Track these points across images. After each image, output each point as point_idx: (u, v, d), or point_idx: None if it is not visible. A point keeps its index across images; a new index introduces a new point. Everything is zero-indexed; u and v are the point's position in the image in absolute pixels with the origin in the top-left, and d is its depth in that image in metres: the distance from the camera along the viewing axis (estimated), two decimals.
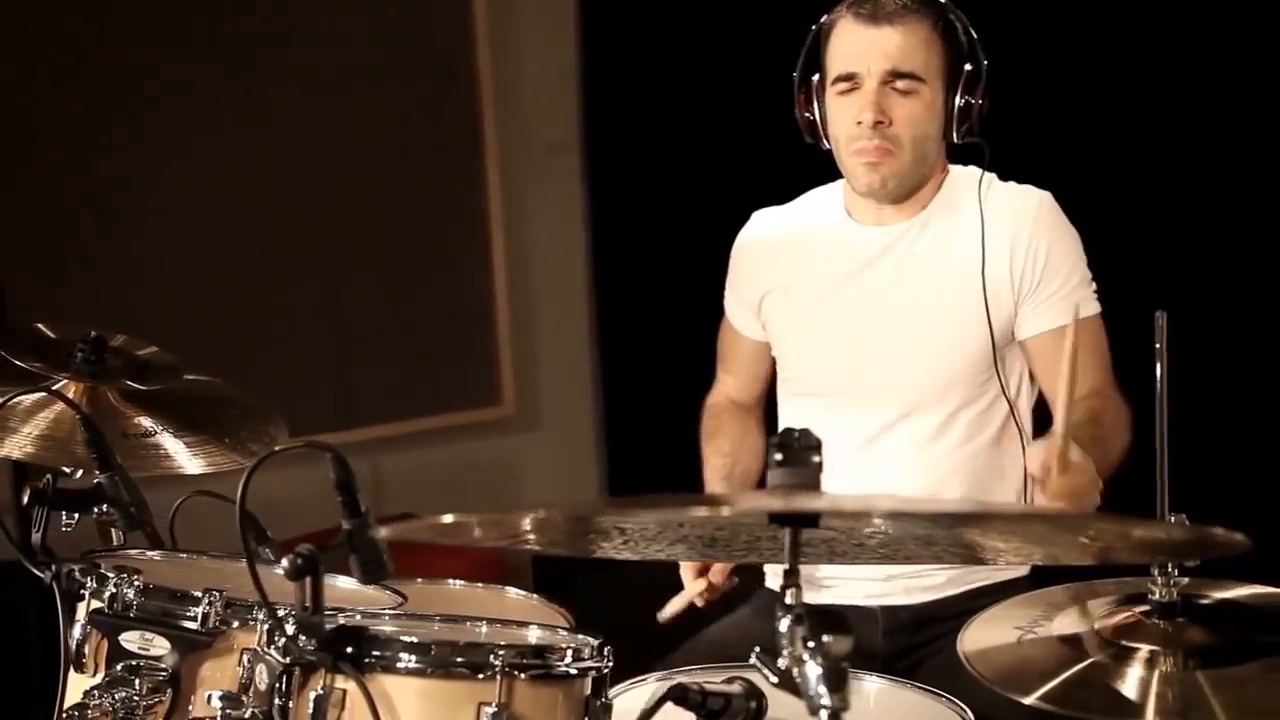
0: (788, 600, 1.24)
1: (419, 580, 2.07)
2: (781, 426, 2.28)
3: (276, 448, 1.61)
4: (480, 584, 2.17)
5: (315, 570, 1.45)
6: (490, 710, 1.49)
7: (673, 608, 2.19)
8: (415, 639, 1.53)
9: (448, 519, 1.17)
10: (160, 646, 1.66)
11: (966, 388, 2.16)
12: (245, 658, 1.62)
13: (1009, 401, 2.17)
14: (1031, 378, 2.21)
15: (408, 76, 3.76)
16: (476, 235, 3.93)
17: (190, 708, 1.66)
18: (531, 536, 1.39)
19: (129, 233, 3.41)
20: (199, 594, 1.67)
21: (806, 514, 1.23)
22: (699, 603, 2.19)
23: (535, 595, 2.14)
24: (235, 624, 1.67)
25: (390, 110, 3.73)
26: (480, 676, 1.51)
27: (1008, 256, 2.13)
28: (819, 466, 1.27)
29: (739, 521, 1.31)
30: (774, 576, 2.33)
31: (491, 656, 1.51)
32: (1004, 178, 2.20)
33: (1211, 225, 3.36)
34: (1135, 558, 1.38)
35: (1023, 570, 2.19)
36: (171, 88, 3.43)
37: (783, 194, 2.36)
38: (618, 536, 1.41)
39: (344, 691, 1.51)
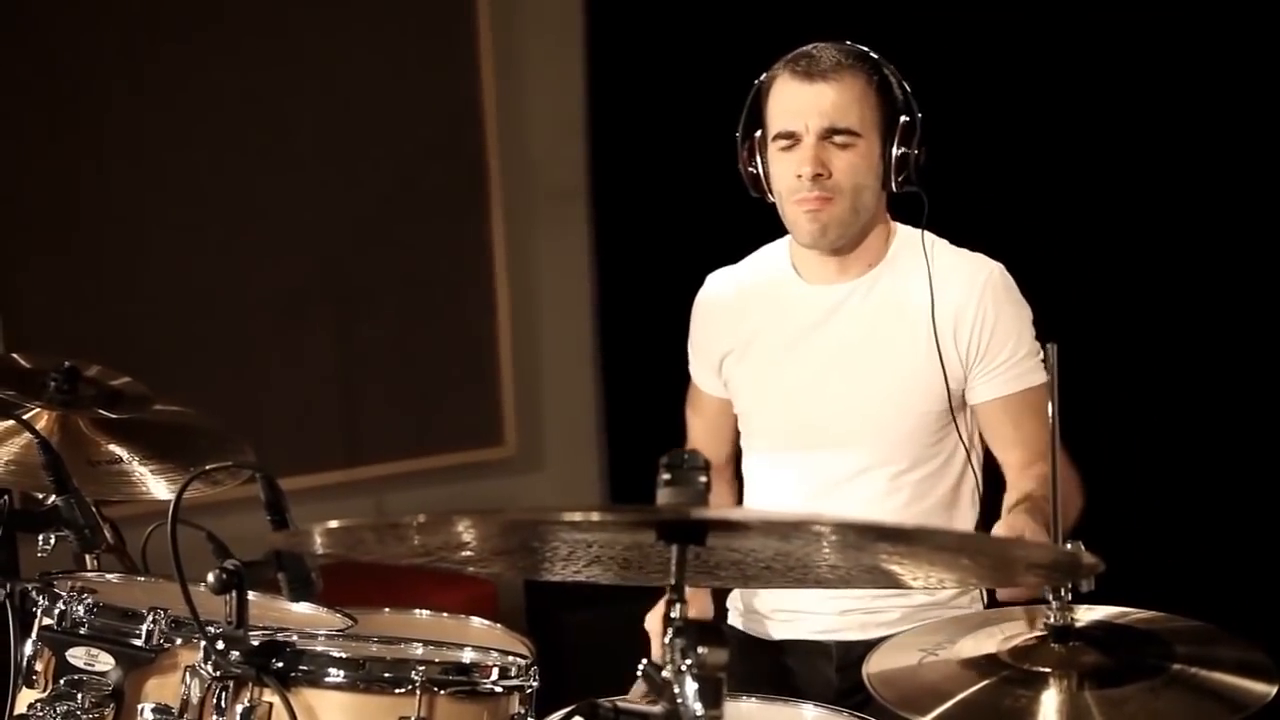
0: (672, 615, 1.28)
1: (386, 610, 2.11)
2: (746, 482, 2.37)
3: (207, 466, 1.66)
4: (445, 614, 2.22)
5: (240, 585, 1.50)
6: None
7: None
8: (341, 654, 1.58)
9: (333, 524, 1.22)
10: (105, 662, 1.72)
11: (921, 443, 2.19)
12: (187, 674, 1.67)
13: (966, 455, 2.21)
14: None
15: (415, 121, 3.83)
16: (481, 277, 3.97)
17: None
18: (449, 554, 1.44)
19: (138, 270, 3.49)
20: (145, 612, 1.73)
21: (686, 525, 1.27)
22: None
23: (498, 625, 2.17)
24: (179, 641, 1.72)
25: (397, 155, 3.80)
26: (400, 691, 1.55)
27: (953, 324, 2.15)
28: (706, 486, 1.31)
29: (637, 538, 1.35)
30: (732, 612, 2.36)
31: (413, 672, 1.56)
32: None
33: (1103, 257, 3.46)
34: (1023, 578, 1.41)
35: (976, 606, 2.21)
36: (183, 130, 3.50)
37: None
38: (530, 556, 1.46)
39: (270, 705, 1.56)
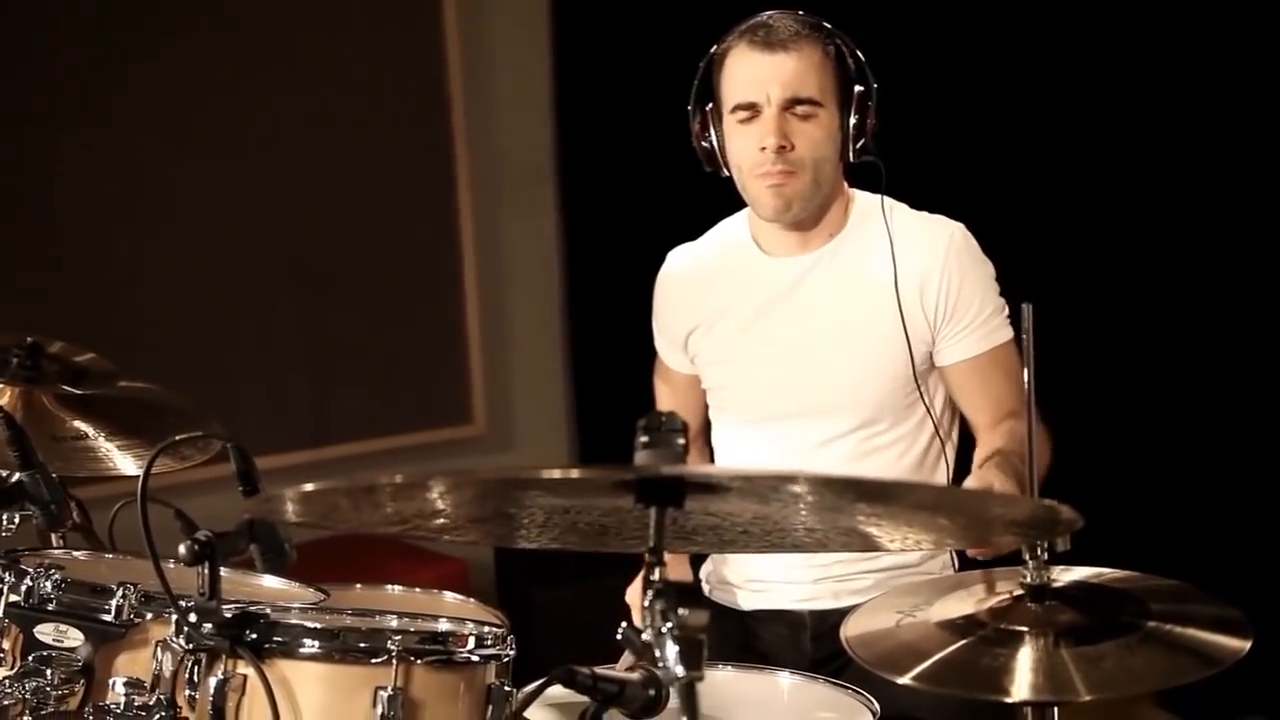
0: (652, 578, 1.28)
1: (358, 586, 2.10)
2: (716, 454, 2.36)
3: (176, 437, 1.64)
4: (418, 589, 2.21)
5: (212, 556, 1.49)
6: (386, 694, 1.53)
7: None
8: (315, 624, 1.56)
9: (308, 487, 1.21)
10: (74, 638, 1.70)
11: (890, 411, 2.19)
12: (158, 649, 1.65)
13: (934, 423, 2.21)
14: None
15: (383, 105, 3.83)
16: (450, 258, 3.98)
17: (106, 698, 1.69)
18: (424, 522, 1.43)
19: (109, 253, 3.48)
20: (114, 587, 1.71)
21: (665, 485, 1.26)
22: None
23: (471, 600, 2.16)
24: (150, 616, 1.69)
25: (366, 138, 3.80)
26: (375, 661, 1.54)
27: (919, 289, 2.15)
28: (684, 448, 1.30)
29: (616, 502, 1.34)
30: (705, 583, 2.36)
31: (388, 642, 1.55)
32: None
33: (1078, 219, 3.47)
34: (1001, 537, 1.42)
35: (948, 572, 2.22)
36: (154, 115, 3.50)
37: None
38: (507, 522, 1.45)
39: (244, 677, 1.55)
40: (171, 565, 1.67)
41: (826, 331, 2.20)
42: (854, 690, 1.86)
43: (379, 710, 1.52)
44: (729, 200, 2.65)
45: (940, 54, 3.53)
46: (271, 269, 3.69)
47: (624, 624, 1.32)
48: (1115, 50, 3.44)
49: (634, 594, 2.19)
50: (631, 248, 4.13)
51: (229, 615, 1.53)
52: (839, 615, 2.20)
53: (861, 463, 2.19)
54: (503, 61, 4.06)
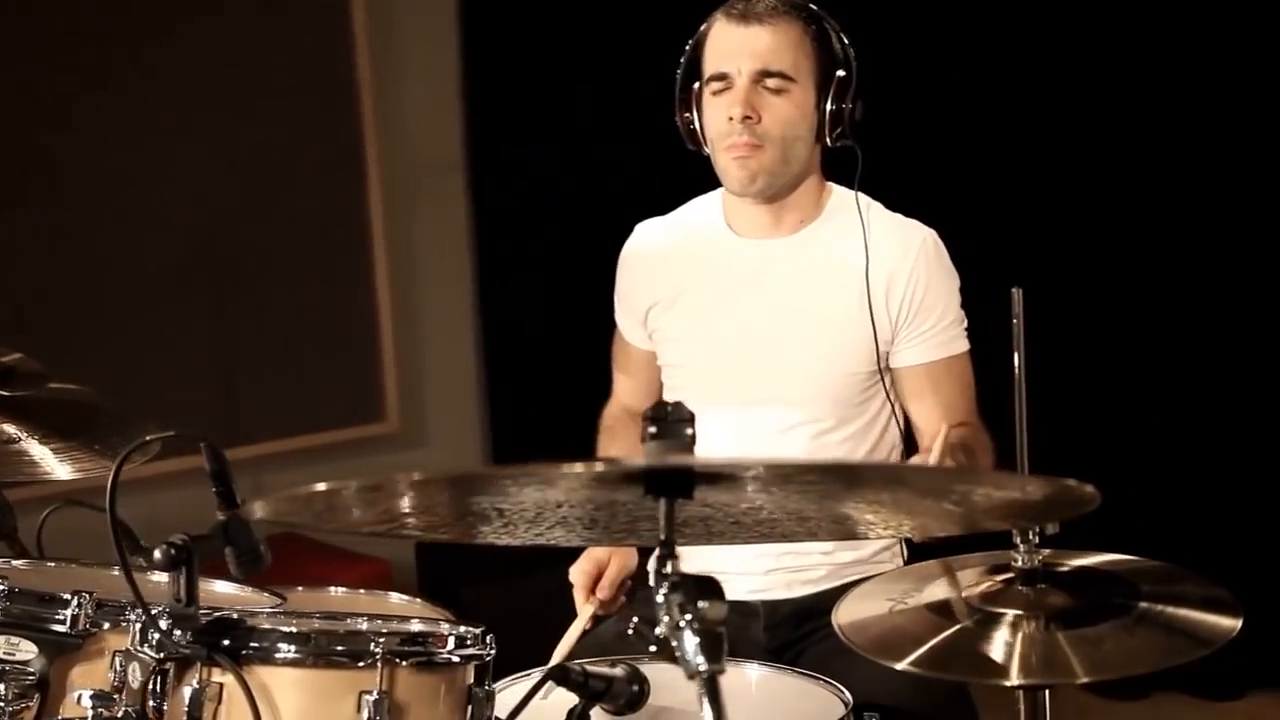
0: (665, 571, 1.26)
1: (299, 589, 2.04)
2: None
3: (148, 437, 1.57)
4: (363, 590, 2.16)
5: (190, 561, 1.43)
6: (371, 699, 1.48)
7: (564, 650, 2.14)
8: (294, 629, 1.51)
9: (320, 486, 1.16)
10: (27, 650, 1.62)
11: (851, 401, 2.19)
12: (117, 659, 1.58)
13: (894, 415, 2.22)
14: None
15: (290, 96, 3.76)
16: (361, 253, 3.93)
17: (61, 710, 1.62)
18: (412, 520, 1.39)
19: (10, 248, 3.37)
20: (68, 596, 1.64)
21: (680, 471, 1.24)
22: (589, 625, 2.19)
23: (417, 599, 2.12)
24: (106, 625, 1.63)
25: (274, 130, 3.73)
26: (360, 665, 1.50)
27: (885, 287, 2.16)
28: (692, 438, 1.28)
29: (614, 494, 1.32)
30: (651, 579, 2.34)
31: (372, 645, 1.50)
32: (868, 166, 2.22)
33: (1066, 206, 3.49)
34: (999, 522, 1.42)
35: (897, 562, 2.24)
36: (53, 104, 3.40)
37: (666, 206, 2.38)
38: (498, 518, 1.41)
39: (220, 685, 1.49)
40: (116, 572, 1.61)
41: (793, 317, 2.19)
42: (825, 680, 1.86)
43: (364, 715, 1.48)
44: (639, 188, 2.62)
45: (933, 39, 3.52)
46: (176, 263, 3.60)
47: (635, 619, 1.30)
48: (1105, 34, 3.43)
49: (576, 574, 2.20)
50: (543, 238, 4.16)
51: (205, 622, 1.47)
52: (791, 605, 2.23)
53: (819, 454, 2.19)
54: (411, 53, 4.01)
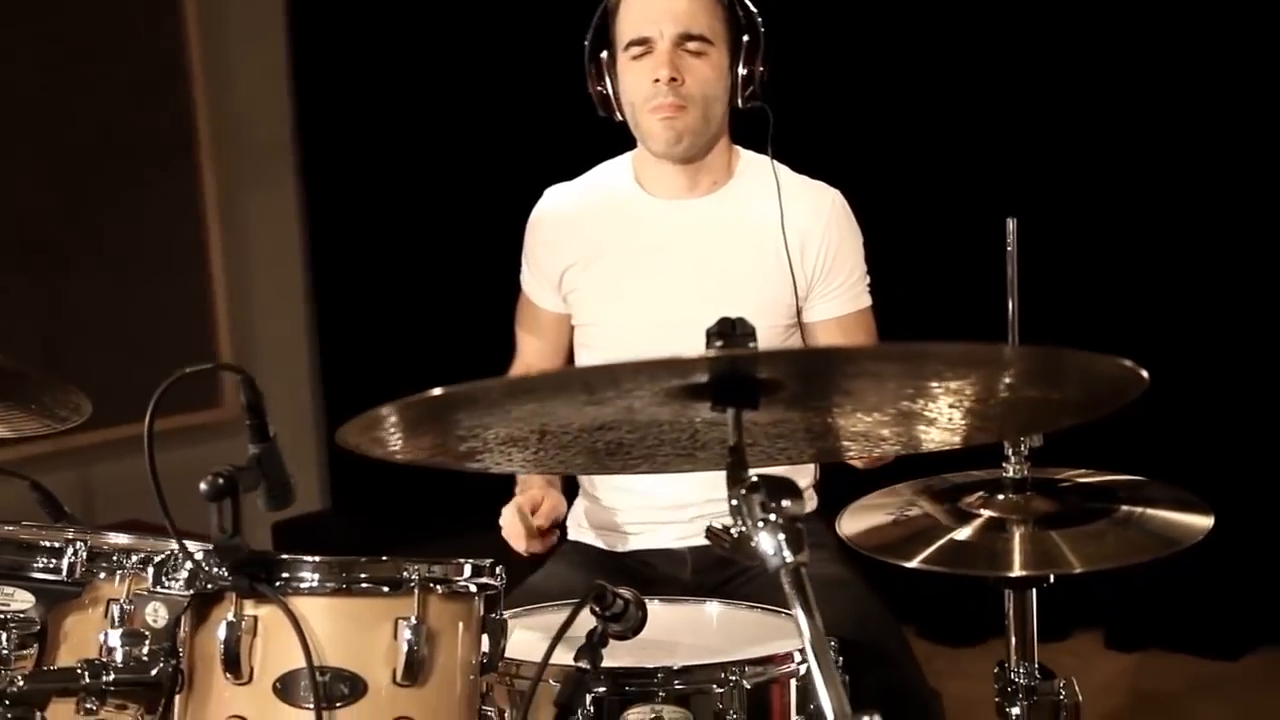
0: (741, 476, 1.32)
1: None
2: None
3: (188, 369, 1.55)
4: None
5: (235, 492, 1.42)
6: (409, 624, 1.50)
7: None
8: (324, 560, 1.52)
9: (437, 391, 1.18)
10: (22, 600, 1.57)
11: None
12: (114, 607, 1.55)
13: None
14: None
15: (119, 73, 3.66)
16: (193, 235, 3.84)
17: (58, 659, 1.58)
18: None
19: None
20: (61, 545, 1.60)
21: (746, 383, 1.30)
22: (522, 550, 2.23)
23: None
24: (101, 575, 1.60)
25: (103, 109, 3.62)
26: (396, 592, 1.51)
27: (800, 245, 2.26)
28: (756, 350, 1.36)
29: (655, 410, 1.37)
30: (576, 529, 2.40)
31: (405, 572, 1.52)
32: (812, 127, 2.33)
33: (1060, 137, 3.50)
34: (1006, 432, 1.51)
35: (811, 504, 2.34)
36: None
37: (506, 183, 2.33)
38: (541, 442, 1.44)
39: (255, 618, 1.48)
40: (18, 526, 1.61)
41: (716, 274, 2.27)
42: (783, 613, 1.95)
43: (404, 640, 1.49)
44: (472, 165, 2.54)
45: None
46: (4, 242, 3.45)
47: (710, 523, 1.37)
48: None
49: (509, 517, 2.20)
50: (374, 216, 4.13)
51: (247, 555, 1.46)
52: (717, 551, 2.31)
53: None
54: (240, 30, 3.95)
